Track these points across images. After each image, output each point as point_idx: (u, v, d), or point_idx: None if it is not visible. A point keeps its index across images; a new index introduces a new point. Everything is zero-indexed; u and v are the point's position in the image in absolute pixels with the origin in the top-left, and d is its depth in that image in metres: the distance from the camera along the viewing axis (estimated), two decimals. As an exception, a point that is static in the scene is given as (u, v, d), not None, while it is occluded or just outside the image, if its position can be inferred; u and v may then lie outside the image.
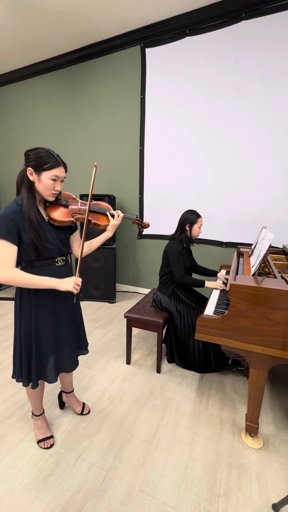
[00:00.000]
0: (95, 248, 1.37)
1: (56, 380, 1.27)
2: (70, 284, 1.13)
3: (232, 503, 1.11)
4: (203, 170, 2.90)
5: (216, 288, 1.91)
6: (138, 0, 2.44)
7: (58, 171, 1.08)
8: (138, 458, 1.30)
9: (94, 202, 1.32)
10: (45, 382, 1.33)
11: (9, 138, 4.25)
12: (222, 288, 1.90)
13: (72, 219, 1.18)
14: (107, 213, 1.30)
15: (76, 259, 1.23)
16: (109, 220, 1.30)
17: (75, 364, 1.36)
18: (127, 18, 2.70)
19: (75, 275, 1.19)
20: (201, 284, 1.92)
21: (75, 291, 1.15)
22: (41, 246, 1.10)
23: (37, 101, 3.81)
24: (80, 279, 1.17)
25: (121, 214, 1.32)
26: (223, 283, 1.99)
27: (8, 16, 2.70)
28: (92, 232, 2.82)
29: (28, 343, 1.19)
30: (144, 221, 1.45)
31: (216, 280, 2.07)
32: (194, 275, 2.25)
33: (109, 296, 3.25)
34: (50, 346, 1.22)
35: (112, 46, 3.09)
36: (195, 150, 2.90)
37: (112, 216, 1.31)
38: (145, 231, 3.41)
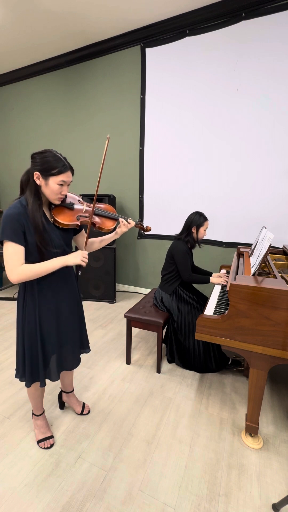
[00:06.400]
0: (102, 247, 1.41)
1: (59, 378, 1.28)
2: (77, 257, 1.13)
3: (232, 503, 1.11)
4: (203, 170, 2.90)
5: (219, 284, 1.96)
6: (138, 0, 2.44)
7: (66, 176, 1.08)
8: (138, 458, 1.30)
9: (98, 204, 1.33)
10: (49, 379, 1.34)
11: (9, 138, 4.24)
12: (226, 283, 1.92)
13: (77, 222, 1.18)
14: (120, 219, 1.31)
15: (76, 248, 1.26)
16: (113, 224, 1.30)
17: (77, 362, 1.37)
18: (127, 18, 2.70)
19: (75, 274, 1.19)
20: (207, 280, 1.97)
21: (83, 264, 1.15)
22: (45, 250, 1.11)
23: (37, 101, 3.81)
24: (86, 252, 1.17)
25: (133, 223, 1.34)
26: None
27: (8, 16, 2.70)
28: (92, 233, 2.82)
29: (31, 342, 1.20)
30: (146, 225, 1.47)
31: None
32: None
33: (109, 296, 3.25)
34: (53, 344, 1.23)
35: (112, 46, 3.09)
36: (195, 150, 2.90)
37: (125, 222, 1.32)
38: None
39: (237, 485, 1.19)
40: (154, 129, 3.08)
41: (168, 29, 2.76)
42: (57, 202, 1.14)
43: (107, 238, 1.38)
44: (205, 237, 2.93)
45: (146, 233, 3.33)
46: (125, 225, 1.31)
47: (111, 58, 3.17)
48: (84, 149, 3.59)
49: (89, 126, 3.48)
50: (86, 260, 1.16)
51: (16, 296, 1.26)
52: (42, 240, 1.08)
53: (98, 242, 1.38)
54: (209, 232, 2.91)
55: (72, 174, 1.12)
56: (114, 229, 1.33)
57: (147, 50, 2.93)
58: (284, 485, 1.19)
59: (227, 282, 1.91)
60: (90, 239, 1.36)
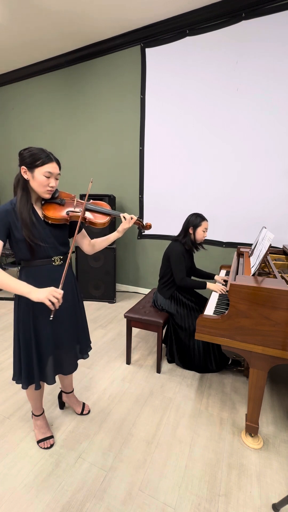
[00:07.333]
0: (105, 246, 1.38)
1: (54, 382, 1.27)
2: (42, 294, 1.01)
3: (232, 503, 1.11)
4: (203, 170, 2.90)
5: (216, 291, 1.85)
6: (138, 0, 2.44)
7: (51, 167, 1.09)
8: (138, 458, 1.30)
9: (92, 201, 1.32)
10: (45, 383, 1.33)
11: (9, 138, 4.25)
12: (223, 292, 1.82)
13: (66, 216, 1.17)
14: (120, 216, 1.27)
15: (77, 258, 1.23)
16: (105, 218, 1.26)
17: (73, 367, 1.35)
18: (127, 18, 2.70)
19: (74, 276, 1.18)
20: (203, 285, 1.87)
21: (48, 303, 1.01)
22: (34, 244, 1.10)
23: (37, 101, 3.82)
24: (61, 291, 1.05)
25: (134, 217, 1.28)
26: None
27: (8, 15, 2.70)
28: (94, 233, 2.82)
29: (27, 344, 1.19)
30: (145, 222, 1.42)
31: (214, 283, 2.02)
32: (192, 278, 2.23)
33: (109, 296, 3.25)
34: (48, 347, 1.21)
35: (112, 46, 3.09)
36: (195, 150, 2.90)
37: (128, 217, 1.28)
38: (145, 231, 3.40)
39: (237, 485, 1.19)
40: (154, 129, 3.08)
41: (168, 29, 2.76)
42: (47, 196, 1.13)
43: (111, 238, 1.34)
44: (205, 237, 2.95)
45: (146, 230, 3.34)
46: (127, 221, 1.27)
47: (111, 58, 3.17)
48: (84, 149, 3.59)
49: (89, 126, 3.48)
50: (56, 301, 1.02)
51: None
52: (29, 233, 1.08)
53: (100, 242, 1.35)
54: (209, 232, 2.91)
55: (59, 167, 1.13)
56: (110, 225, 1.31)
57: (147, 50, 2.93)
58: (284, 485, 1.19)
59: (223, 291, 1.81)
60: (92, 240, 1.36)
